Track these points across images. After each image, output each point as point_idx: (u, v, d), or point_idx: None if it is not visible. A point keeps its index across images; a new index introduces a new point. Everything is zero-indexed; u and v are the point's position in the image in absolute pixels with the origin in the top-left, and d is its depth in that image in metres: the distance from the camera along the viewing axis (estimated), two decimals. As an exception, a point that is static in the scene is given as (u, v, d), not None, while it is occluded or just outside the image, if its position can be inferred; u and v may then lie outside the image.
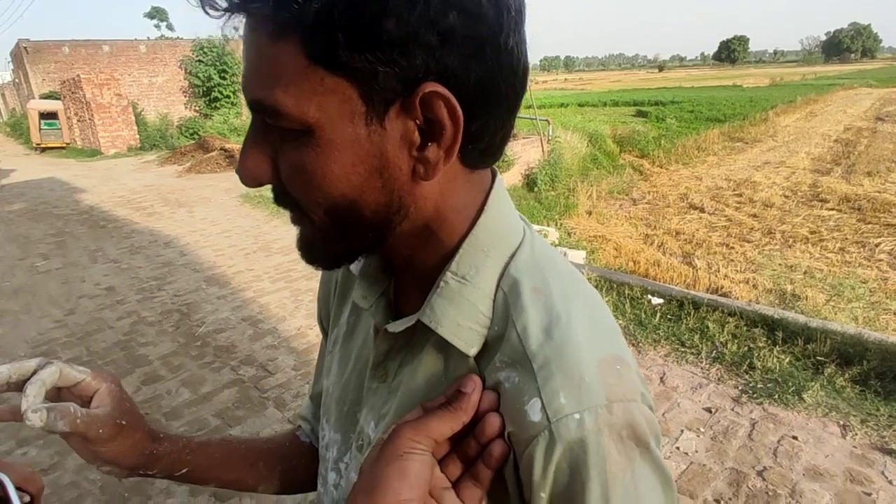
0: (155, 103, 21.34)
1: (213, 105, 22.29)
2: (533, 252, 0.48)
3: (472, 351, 0.46)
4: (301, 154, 0.41)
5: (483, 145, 0.44)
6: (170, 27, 33.61)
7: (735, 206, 9.98)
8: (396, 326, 0.49)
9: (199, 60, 21.89)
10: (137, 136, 17.16)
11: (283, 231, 6.49)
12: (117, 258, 5.87)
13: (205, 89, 22.10)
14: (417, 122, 0.40)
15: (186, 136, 18.21)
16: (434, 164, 0.42)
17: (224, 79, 22.25)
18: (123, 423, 0.55)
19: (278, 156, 0.43)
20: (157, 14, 33.35)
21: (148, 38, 25.56)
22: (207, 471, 0.64)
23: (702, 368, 3.09)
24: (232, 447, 0.68)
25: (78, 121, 17.62)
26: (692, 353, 3.22)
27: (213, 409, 3.00)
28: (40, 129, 18.10)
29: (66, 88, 18.14)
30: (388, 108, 0.40)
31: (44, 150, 18.14)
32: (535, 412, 0.40)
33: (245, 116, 22.42)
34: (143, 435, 0.58)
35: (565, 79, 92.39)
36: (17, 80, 25.04)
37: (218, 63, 22.09)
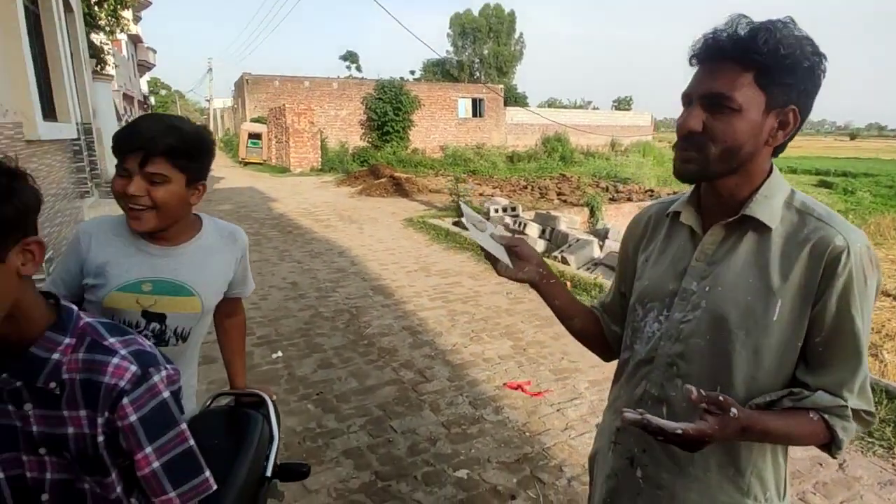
0: (336, 133, 24.05)
1: (383, 138, 24.52)
2: (803, 195, 0.99)
3: (774, 224, 0.93)
4: (731, 121, 0.89)
5: (784, 144, 0.95)
6: (358, 69, 37.95)
7: (943, 299, 8.51)
8: (720, 227, 0.98)
9: (379, 98, 24.33)
10: (320, 159, 19.45)
11: (441, 255, 6.94)
12: (300, 259, 6.74)
13: (379, 123, 24.44)
14: (779, 121, 0.91)
15: (358, 163, 20.22)
16: (776, 141, 0.93)
17: (397, 115, 24.42)
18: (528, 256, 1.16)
19: (710, 120, 0.90)
20: (349, 57, 37.92)
21: (338, 76, 29.03)
22: (563, 308, 1.20)
23: (893, 465, 2.73)
24: (572, 300, 1.22)
25: (276, 142, 20.50)
26: (881, 447, 2.86)
27: (376, 401, 3.33)
28: (247, 147, 21.39)
29: (272, 115, 21.27)
30: (770, 111, 0.90)
31: (246, 164, 21.35)
32: (840, 240, 0.88)
33: (409, 151, 24.26)
34: (536, 268, 1.15)
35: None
36: (235, 106, 29.93)
37: (394, 101, 24.35)
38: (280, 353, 3.98)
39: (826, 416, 0.91)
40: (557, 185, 14.57)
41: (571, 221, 8.01)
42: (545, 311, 4.90)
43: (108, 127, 11.21)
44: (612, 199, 13.41)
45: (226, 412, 1.50)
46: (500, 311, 4.95)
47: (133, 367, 0.84)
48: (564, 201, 12.40)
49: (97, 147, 9.17)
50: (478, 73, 48.95)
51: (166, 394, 0.86)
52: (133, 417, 0.83)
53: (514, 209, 8.38)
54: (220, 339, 1.60)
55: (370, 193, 12.60)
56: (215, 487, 0.92)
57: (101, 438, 0.83)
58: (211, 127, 30.83)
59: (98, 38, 11.63)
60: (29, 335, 0.82)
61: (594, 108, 48.19)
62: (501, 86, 33.39)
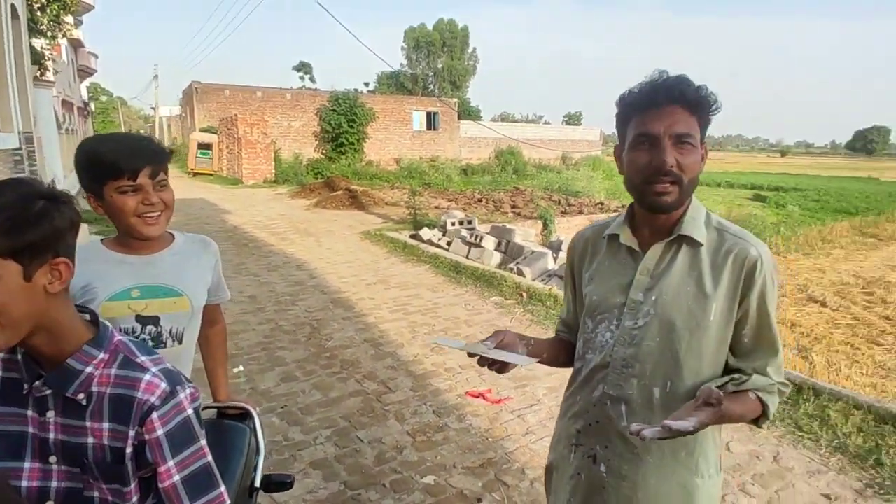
0: (290, 144, 23.75)
1: (338, 150, 24.39)
2: (715, 215, 1.16)
3: (703, 241, 1.10)
4: (692, 155, 1.07)
5: None
6: (312, 80, 37.65)
7: (864, 305, 9.23)
8: (659, 245, 1.14)
9: (333, 110, 24.22)
10: (273, 171, 19.16)
11: (400, 268, 7.01)
12: (257, 273, 6.66)
13: (334, 135, 24.30)
14: (703, 152, 1.13)
15: (312, 175, 20.03)
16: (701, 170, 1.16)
17: (352, 127, 24.34)
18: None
19: (679, 156, 1.05)
20: (303, 67, 37.55)
21: (292, 87, 28.77)
22: (550, 355, 1.33)
23: (820, 455, 3.00)
24: (551, 345, 1.35)
25: (227, 153, 20.06)
26: (810, 440, 3.14)
27: (341, 413, 3.37)
28: (196, 157, 20.83)
29: (223, 125, 20.81)
30: (702, 145, 1.12)
31: (195, 174, 20.77)
32: (754, 252, 1.08)
33: (364, 163, 24.21)
34: (524, 345, 1.23)
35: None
36: (183, 115, 29.09)
37: (349, 113, 24.29)
38: (241, 368, 3.96)
39: (760, 395, 1.10)
40: (511, 198, 14.91)
41: (526, 234, 8.27)
42: (503, 322, 5.07)
43: (49, 135, 10.73)
44: (564, 212, 13.83)
45: (212, 424, 1.54)
46: (459, 322, 5.07)
47: (163, 384, 0.89)
48: (518, 214, 12.71)
49: (38, 156, 8.77)
50: (432, 87, 49.29)
51: (190, 411, 0.92)
52: (160, 432, 0.88)
53: (470, 222, 8.57)
54: (203, 349, 1.64)
55: (326, 206, 12.54)
56: (229, 503, 0.98)
57: (129, 450, 0.88)
58: (157, 136, 29.77)
59: (39, 42, 11.14)
60: (66, 348, 0.86)
61: (546, 123, 49.53)
62: (455, 99, 33.90)
